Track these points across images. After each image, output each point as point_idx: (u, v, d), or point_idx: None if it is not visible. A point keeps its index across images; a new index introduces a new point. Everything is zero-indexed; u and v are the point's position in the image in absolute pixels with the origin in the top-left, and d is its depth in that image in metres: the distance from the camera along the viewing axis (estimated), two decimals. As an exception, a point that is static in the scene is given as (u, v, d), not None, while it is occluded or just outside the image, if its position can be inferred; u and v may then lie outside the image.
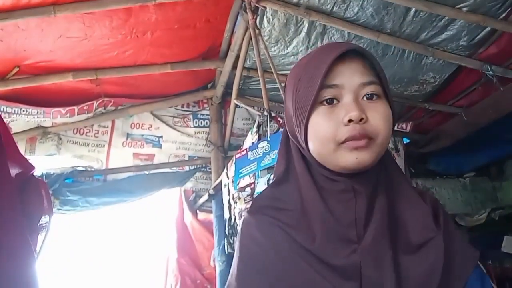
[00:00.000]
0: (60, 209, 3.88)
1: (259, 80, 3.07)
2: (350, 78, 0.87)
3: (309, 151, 0.91)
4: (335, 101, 0.87)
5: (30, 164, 0.74)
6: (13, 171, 0.69)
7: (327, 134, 0.86)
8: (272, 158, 2.73)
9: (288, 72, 3.56)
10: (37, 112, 3.72)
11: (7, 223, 0.64)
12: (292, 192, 0.96)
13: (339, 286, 0.82)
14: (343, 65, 0.87)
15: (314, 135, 0.88)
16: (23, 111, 3.66)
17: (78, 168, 4.09)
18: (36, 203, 0.72)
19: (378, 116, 0.86)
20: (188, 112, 4.32)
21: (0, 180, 0.65)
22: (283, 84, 3.29)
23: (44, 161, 3.91)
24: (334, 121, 0.86)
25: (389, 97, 0.91)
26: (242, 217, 1.09)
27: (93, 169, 4.15)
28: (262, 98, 2.94)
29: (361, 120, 0.84)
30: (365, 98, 0.87)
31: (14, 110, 3.64)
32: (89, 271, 4.99)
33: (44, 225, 0.73)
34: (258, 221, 0.97)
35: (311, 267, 0.85)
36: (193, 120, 4.33)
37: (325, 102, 0.87)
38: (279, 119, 3.00)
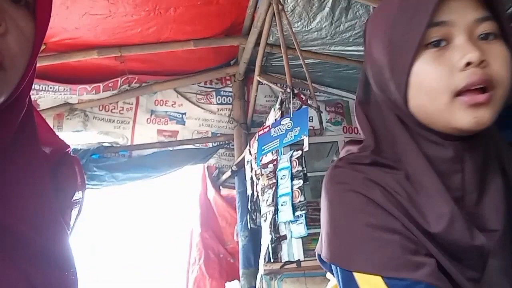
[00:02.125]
0: (87, 184, 3.98)
1: (282, 56, 3.06)
2: (462, 13, 0.69)
3: (407, 108, 0.74)
4: (443, 43, 0.70)
5: (64, 142, 0.76)
6: (46, 150, 0.72)
7: (439, 84, 0.69)
8: (295, 135, 2.74)
9: (312, 48, 3.52)
10: (64, 89, 3.80)
11: (39, 201, 0.67)
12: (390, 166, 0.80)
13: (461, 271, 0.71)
14: None
15: (419, 87, 0.71)
16: (50, 88, 3.74)
17: (104, 144, 4.18)
18: (70, 180, 0.75)
19: (499, 61, 0.69)
20: (211, 89, 4.34)
21: (32, 160, 0.68)
22: (306, 61, 3.27)
23: (71, 137, 4.00)
24: (446, 67, 0.69)
25: (509, 37, 0.72)
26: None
27: (118, 145, 4.23)
28: (285, 75, 2.94)
29: (481, 62, 0.67)
30: (479, 39, 0.70)
31: (42, 87, 3.73)
32: (117, 245, 5.14)
33: (77, 200, 0.76)
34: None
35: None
36: (216, 97, 4.35)
37: (430, 45, 0.70)
38: (302, 96, 2.99)
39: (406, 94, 0.73)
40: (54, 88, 3.77)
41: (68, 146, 0.76)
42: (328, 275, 1.00)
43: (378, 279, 0.71)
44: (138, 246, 5.28)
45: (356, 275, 0.74)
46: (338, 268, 0.77)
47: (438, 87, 0.69)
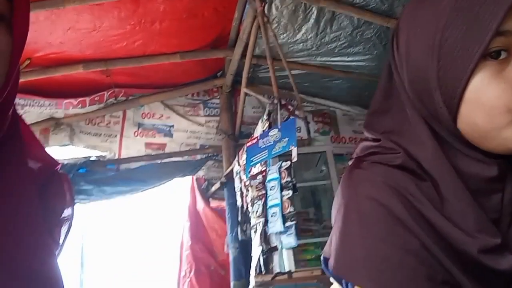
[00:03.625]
0: (75, 199, 3.94)
1: (268, 68, 3.08)
2: None
3: (454, 123, 0.67)
4: (503, 54, 0.62)
5: (54, 159, 0.75)
6: (35, 166, 0.71)
7: (499, 102, 0.61)
8: (283, 146, 2.75)
9: (298, 59, 3.53)
10: (49, 104, 3.77)
11: (26, 220, 0.66)
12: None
13: None
14: None
15: (475, 104, 0.63)
16: (36, 102, 3.71)
17: (91, 159, 4.14)
18: (59, 198, 0.74)
19: None
20: (198, 101, 4.34)
21: (18, 177, 0.67)
22: (292, 72, 3.30)
23: (58, 151, 3.96)
24: (508, 84, 0.61)
25: None
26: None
27: (105, 159, 4.20)
28: (272, 86, 2.95)
29: None
30: None
31: (27, 102, 3.69)
32: (107, 259, 5.08)
33: (67, 217, 0.75)
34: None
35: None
36: (204, 109, 4.35)
37: (488, 56, 0.62)
38: (289, 106, 3.01)
39: (457, 110, 0.65)
40: (39, 102, 3.74)
41: (58, 163, 0.75)
42: (332, 280, 0.97)
43: None
44: (128, 259, 5.22)
45: None
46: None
47: (498, 105, 0.62)
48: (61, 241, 0.75)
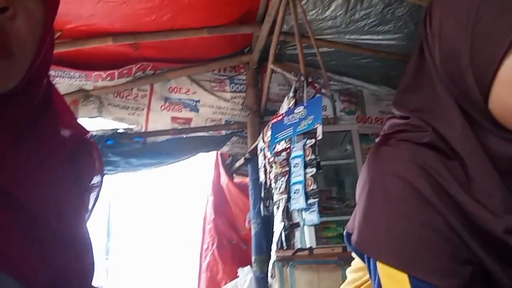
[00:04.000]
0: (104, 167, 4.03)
1: (296, 45, 3.05)
2: None
3: (485, 104, 0.66)
4: None
5: (84, 128, 0.78)
6: (66, 134, 0.73)
7: None
8: (308, 124, 2.74)
9: (326, 36, 3.49)
10: (79, 76, 3.84)
11: (58, 186, 0.68)
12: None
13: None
14: None
15: (509, 84, 0.61)
16: (66, 74, 3.78)
17: (119, 131, 4.22)
18: (88, 165, 0.76)
19: None
20: (224, 77, 4.35)
21: (51, 144, 0.69)
22: (320, 49, 3.26)
23: (86, 123, 4.05)
24: None
25: None
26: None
27: (133, 132, 4.27)
28: (299, 63, 2.93)
29: None
30: None
31: (58, 73, 3.77)
32: (130, 230, 5.21)
33: (96, 184, 0.77)
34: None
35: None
36: (230, 84, 4.36)
37: None
38: (315, 84, 2.99)
39: (489, 90, 0.64)
40: (69, 74, 3.81)
41: (88, 132, 0.77)
42: (348, 273, 0.98)
43: (404, 277, 0.67)
44: (152, 231, 5.35)
45: (381, 266, 0.70)
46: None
47: None
48: (90, 207, 0.78)
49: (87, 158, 0.74)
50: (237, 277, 3.80)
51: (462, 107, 0.70)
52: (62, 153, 0.70)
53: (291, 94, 3.10)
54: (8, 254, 0.58)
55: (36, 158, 0.65)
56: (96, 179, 0.76)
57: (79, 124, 0.76)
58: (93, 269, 0.72)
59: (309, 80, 2.92)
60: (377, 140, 0.85)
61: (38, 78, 0.66)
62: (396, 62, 3.78)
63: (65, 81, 3.82)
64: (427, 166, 0.71)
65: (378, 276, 0.71)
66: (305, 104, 2.82)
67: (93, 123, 4.14)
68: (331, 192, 3.55)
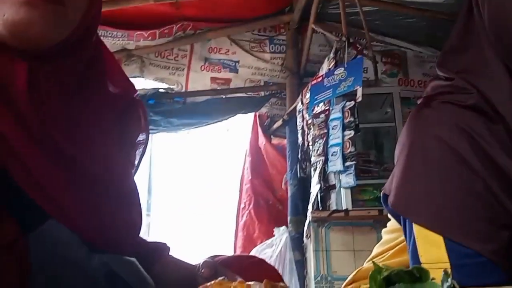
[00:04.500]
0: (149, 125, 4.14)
1: (338, 4, 2.97)
2: None
3: None
4: None
5: (132, 85, 0.81)
6: (115, 91, 0.76)
7: None
8: (348, 85, 2.71)
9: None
10: (122, 35, 3.89)
11: (106, 139, 0.71)
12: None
13: None
14: None
15: None
16: (109, 33, 3.84)
17: (160, 90, 4.30)
18: (134, 122, 0.80)
19: None
20: (264, 37, 4.30)
21: (100, 99, 0.72)
22: (364, 8, 3.15)
23: (129, 82, 4.13)
24: None
25: None
26: None
27: (173, 92, 4.34)
28: (340, 23, 2.86)
29: None
30: None
31: (101, 33, 3.83)
32: (170, 187, 5.37)
33: (141, 141, 0.81)
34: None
35: None
36: (270, 45, 4.31)
37: None
38: (357, 45, 2.92)
39: None
40: (112, 34, 3.87)
41: (135, 90, 0.80)
42: (383, 233, 0.98)
43: (439, 239, 0.67)
44: (191, 188, 5.49)
45: (416, 228, 0.70)
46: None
47: None
48: (136, 163, 0.82)
49: (133, 116, 0.77)
50: (273, 236, 3.88)
51: (510, 69, 0.69)
52: (111, 110, 0.73)
53: (331, 55, 3.05)
54: (61, 204, 0.62)
55: (87, 114, 0.68)
56: (141, 136, 0.80)
57: (128, 82, 0.79)
58: (141, 221, 0.77)
59: (351, 40, 2.85)
60: (419, 102, 0.84)
61: (88, 35, 0.69)
62: (443, 22, 3.62)
63: (108, 41, 3.89)
64: (469, 129, 0.70)
65: (414, 238, 0.72)
66: (345, 66, 2.78)
67: (135, 82, 4.22)
68: (369, 155, 3.53)
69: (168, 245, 0.82)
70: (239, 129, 4.89)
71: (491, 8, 0.69)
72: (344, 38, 2.79)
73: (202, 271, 0.74)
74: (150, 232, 4.66)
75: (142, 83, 4.27)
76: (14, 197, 0.58)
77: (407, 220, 0.75)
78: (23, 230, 0.58)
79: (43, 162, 0.61)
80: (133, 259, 0.69)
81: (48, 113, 0.62)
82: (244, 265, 0.82)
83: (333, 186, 3.02)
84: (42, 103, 0.61)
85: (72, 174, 0.64)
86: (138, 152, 0.82)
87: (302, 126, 3.53)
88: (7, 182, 0.58)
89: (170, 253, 0.82)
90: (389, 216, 0.86)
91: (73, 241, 0.62)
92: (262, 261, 0.92)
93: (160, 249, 0.82)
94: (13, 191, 0.58)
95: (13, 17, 0.56)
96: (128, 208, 0.74)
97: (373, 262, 0.79)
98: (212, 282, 0.30)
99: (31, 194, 0.59)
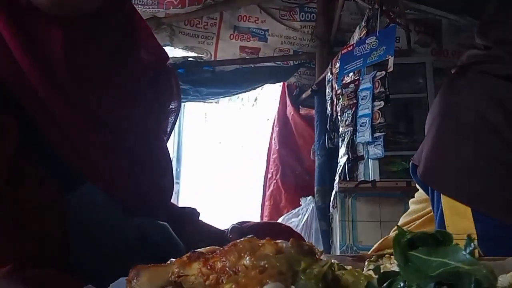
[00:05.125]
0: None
1: (372, -30, 2.89)
2: None
3: None
4: None
5: (165, 52, 0.82)
6: (148, 58, 0.77)
7: None
8: (380, 55, 2.66)
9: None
10: (152, 2, 3.89)
11: (140, 106, 0.73)
12: None
13: None
14: None
15: None
16: (139, 1, 3.84)
17: (189, 59, 4.31)
18: (167, 89, 0.81)
19: None
20: (294, 5, 4.22)
21: (133, 67, 0.74)
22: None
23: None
24: None
25: None
26: None
27: (202, 61, 4.35)
28: (373, -10, 2.78)
29: None
30: None
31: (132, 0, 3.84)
32: (198, 156, 5.45)
33: (174, 109, 0.83)
34: None
35: None
36: (300, 13, 4.24)
37: None
38: (390, 13, 2.85)
39: None
40: (142, 1, 3.87)
41: (168, 58, 0.81)
42: (410, 204, 0.98)
43: (467, 210, 0.66)
44: (219, 158, 5.56)
45: (444, 198, 0.70)
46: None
47: None
48: (168, 130, 0.84)
49: (166, 84, 0.79)
50: (300, 206, 3.92)
51: None
52: (144, 77, 0.75)
53: (363, 24, 2.99)
54: (98, 170, 0.65)
55: (122, 81, 0.70)
56: (173, 104, 0.82)
57: (161, 49, 0.80)
58: (172, 187, 0.79)
59: (384, 8, 2.78)
60: (453, 71, 0.83)
61: (121, 2, 0.70)
62: (481, -11, 3.48)
63: (138, 8, 3.83)
64: (504, 100, 0.68)
65: (441, 208, 0.71)
66: (377, 34, 2.72)
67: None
68: (399, 127, 3.48)
69: (197, 210, 0.85)
70: (267, 99, 4.89)
71: None
72: (376, 6, 2.73)
73: (230, 236, 0.77)
74: (179, 200, 4.76)
75: (171, 52, 4.29)
76: (54, 161, 0.61)
77: (435, 191, 0.74)
78: (62, 192, 0.61)
79: (79, 126, 0.63)
80: (165, 223, 0.72)
81: (83, 79, 0.64)
82: (271, 231, 0.84)
83: (361, 157, 3.01)
84: (78, 69, 0.63)
85: (107, 139, 0.67)
86: (170, 120, 0.84)
87: (331, 96, 3.50)
88: (47, 146, 0.61)
89: (199, 218, 0.85)
90: (417, 186, 0.86)
91: (108, 204, 0.65)
92: (289, 228, 0.95)
93: (190, 214, 0.84)
94: (53, 155, 0.61)
95: None
96: (161, 174, 0.76)
97: (397, 226, 0.79)
98: (242, 239, 0.31)
99: (69, 158, 0.62)
